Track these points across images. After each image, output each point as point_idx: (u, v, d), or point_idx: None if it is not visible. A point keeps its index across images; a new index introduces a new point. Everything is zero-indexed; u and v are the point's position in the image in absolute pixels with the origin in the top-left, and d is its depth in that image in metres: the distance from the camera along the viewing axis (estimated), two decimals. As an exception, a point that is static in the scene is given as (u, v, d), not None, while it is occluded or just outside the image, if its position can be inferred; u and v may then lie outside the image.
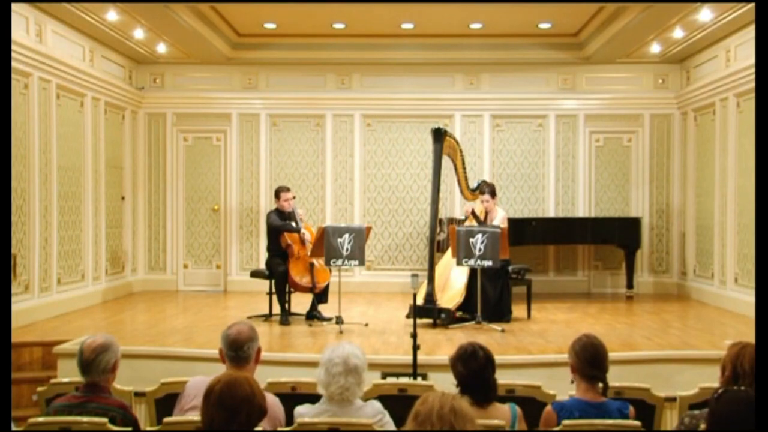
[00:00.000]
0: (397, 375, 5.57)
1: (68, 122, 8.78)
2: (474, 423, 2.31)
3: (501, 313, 7.91)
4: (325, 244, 7.40)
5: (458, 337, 6.91)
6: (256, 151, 10.95)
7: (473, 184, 8.50)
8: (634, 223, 10.22)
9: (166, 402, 3.93)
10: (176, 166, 10.97)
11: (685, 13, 8.35)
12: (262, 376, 3.61)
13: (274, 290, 8.03)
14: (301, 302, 8.33)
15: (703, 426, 2.68)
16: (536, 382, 4.20)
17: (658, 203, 10.88)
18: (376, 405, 3.49)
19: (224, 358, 3.55)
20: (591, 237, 10.05)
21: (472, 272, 7.79)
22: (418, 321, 5.91)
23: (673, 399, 4.29)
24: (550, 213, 10.84)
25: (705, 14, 8.24)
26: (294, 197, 8.44)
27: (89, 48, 9.25)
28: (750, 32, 8.41)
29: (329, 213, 10.87)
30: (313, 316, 7.97)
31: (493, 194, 8.32)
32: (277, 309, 7.97)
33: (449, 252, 8.24)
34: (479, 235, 7.43)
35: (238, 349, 3.47)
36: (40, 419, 3.30)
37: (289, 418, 3.43)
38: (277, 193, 8.24)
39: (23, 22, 7.75)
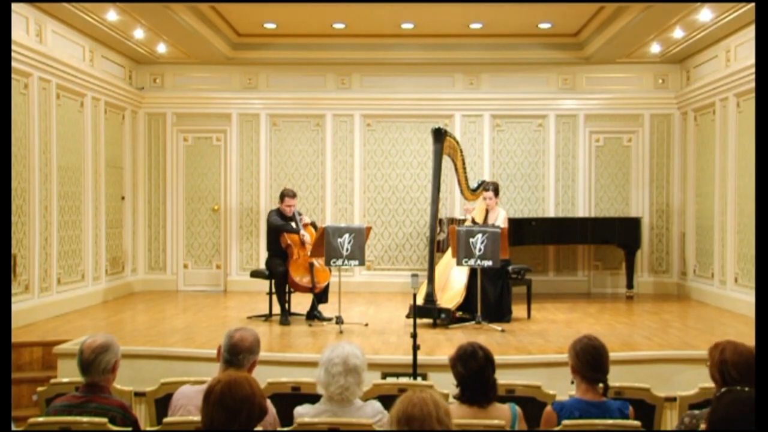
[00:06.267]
0: (397, 375, 5.58)
1: (68, 122, 8.78)
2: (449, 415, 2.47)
3: (501, 313, 7.90)
4: (325, 244, 7.39)
5: (458, 337, 6.91)
6: (256, 151, 10.95)
7: (473, 184, 8.50)
8: (634, 223, 10.22)
9: (166, 402, 3.92)
10: (176, 166, 10.96)
11: (685, 13, 8.35)
12: (262, 376, 3.61)
13: (274, 290, 8.03)
14: (301, 302, 8.33)
15: (703, 426, 2.67)
16: (536, 382, 4.20)
17: (658, 203, 10.87)
18: (376, 405, 3.49)
19: (219, 356, 3.57)
20: (591, 237, 10.04)
21: (472, 272, 7.79)
22: (418, 321, 5.91)
23: (673, 399, 4.30)
24: (550, 213, 10.83)
25: (705, 14, 8.24)
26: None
27: (89, 48, 9.25)
28: (750, 32, 8.41)
29: (329, 213, 10.86)
30: (313, 316, 7.97)
31: (496, 193, 8.32)
32: (277, 309, 7.96)
33: (449, 252, 8.23)
34: (479, 235, 7.42)
35: (233, 355, 3.50)
36: (40, 419, 3.30)
37: (289, 418, 3.43)
38: (282, 197, 8.16)
39: (23, 22, 7.75)
